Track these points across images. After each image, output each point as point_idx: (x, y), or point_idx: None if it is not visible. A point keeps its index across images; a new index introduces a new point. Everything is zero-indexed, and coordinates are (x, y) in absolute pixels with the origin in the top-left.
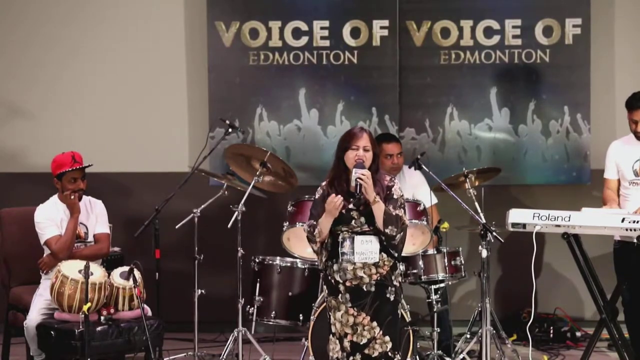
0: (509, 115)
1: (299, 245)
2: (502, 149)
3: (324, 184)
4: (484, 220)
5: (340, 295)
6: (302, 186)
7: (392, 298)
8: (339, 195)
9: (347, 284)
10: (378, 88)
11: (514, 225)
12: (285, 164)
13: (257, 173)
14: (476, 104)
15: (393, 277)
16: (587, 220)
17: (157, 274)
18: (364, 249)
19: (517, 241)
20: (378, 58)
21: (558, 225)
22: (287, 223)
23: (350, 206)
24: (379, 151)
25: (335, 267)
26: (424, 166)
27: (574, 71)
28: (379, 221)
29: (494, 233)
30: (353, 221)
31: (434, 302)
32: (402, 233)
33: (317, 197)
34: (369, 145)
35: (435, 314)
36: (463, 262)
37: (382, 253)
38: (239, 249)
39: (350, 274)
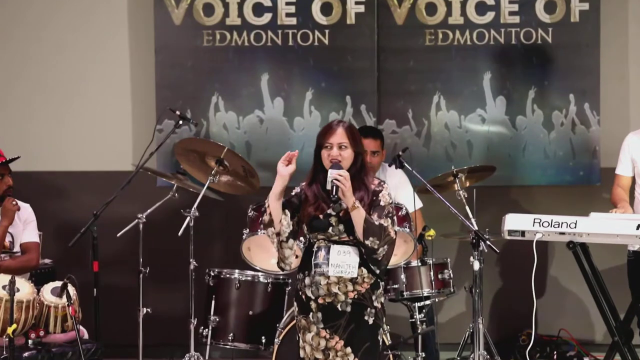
0: (505, 105)
1: (262, 256)
2: (497, 144)
3: (303, 184)
4: (476, 227)
5: (311, 314)
6: (264, 187)
7: (370, 321)
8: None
9: (320, 301)
10: (353, 73)
11: (511, 232)
12: (245, 162)
13: (213, 172)
14: (467, 92)
15: (374, 297)
16: (596, 227)
17: (95, 289)
18: (340, 261)
19: (514, 251)
20: (353, 38)
21: (562, 233)
22: (248, 230)
23: (330, 211)
24: (362, 149)
25: (307, 280)
26: (406, 164)
27: (581, 53)
28: (359, 230)
29: (488, 242)
30: (330, 228)
31: (418, 322)
32: (385, 246)
33: (292, 194)
34: (347, 141)
35: (420, 336)
36: (452, 275)
37: (362, 268)
38: (191, 260)
39: (324, 289)
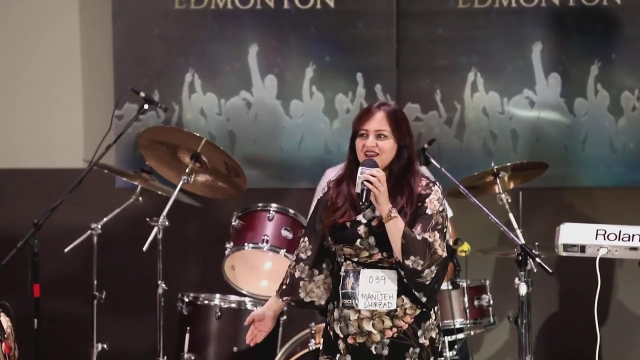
0: (561, 84)
1: (249, 276)
2: (549, 135)
3: (332, 176)
4: (522, 240)
5: (338, 356)
6: (253, 189)
7: None
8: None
9: (349, 340)
10: (365, 44)
11: (567, 247)
12: (229, 157)
13: (187, 170)
14: (511, 68)
15: (419, 333)
16: None
17: (35, 320)
18: (373, 290)
19: (571, 272)
20: (366, 0)
21: (634, 248)
22: (232, 244)
23: (360, 217)
24: (409, 141)
25: (336, 313)
26: (432, 160)
27: None
28: (395, 247)
29: (538, 259)
30: (359, 241)
31: None
32: (433, 267)
33: (317, 197)
34: (387, 129)
35: None
36: (491, 301)
37: (403, 296)
38: (159, 282)
39: (354, 326)
